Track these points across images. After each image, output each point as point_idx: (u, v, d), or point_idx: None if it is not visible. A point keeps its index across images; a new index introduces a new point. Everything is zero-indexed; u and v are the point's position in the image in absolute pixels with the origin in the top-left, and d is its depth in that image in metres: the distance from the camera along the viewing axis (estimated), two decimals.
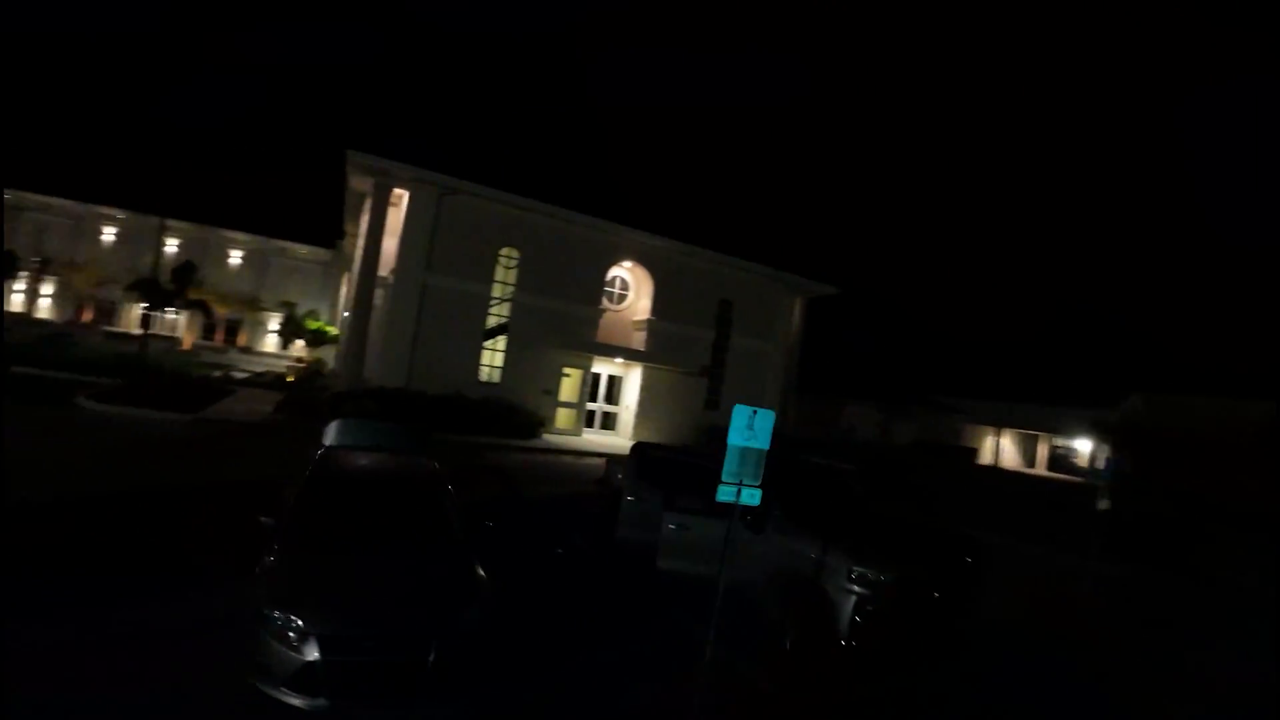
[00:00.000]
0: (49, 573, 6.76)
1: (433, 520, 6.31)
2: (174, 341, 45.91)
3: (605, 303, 27.00)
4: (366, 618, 4.84)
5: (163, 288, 28.99)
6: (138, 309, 52.99)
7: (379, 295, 24.26)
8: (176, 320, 53.41)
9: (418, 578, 5.36)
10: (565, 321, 25.27)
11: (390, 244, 24.04)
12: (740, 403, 5.91)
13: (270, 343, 52.32)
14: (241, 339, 53.20)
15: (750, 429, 5.53)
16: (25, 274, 50.35)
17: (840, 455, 27.75)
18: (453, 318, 23.92)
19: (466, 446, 19.89)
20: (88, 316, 52.09)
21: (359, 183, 24.80)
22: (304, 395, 24.95)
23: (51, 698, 4.74)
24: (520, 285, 24.94)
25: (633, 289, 27.87)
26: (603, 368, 26.89)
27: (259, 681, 4.67)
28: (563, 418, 25.52)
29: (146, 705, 4.78)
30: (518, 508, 12.87)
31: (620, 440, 26.20)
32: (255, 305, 53.31)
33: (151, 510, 9.40)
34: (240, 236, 55.96)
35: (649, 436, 26.16)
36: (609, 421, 27.24)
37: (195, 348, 45.44)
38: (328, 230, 43.64)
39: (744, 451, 5.54)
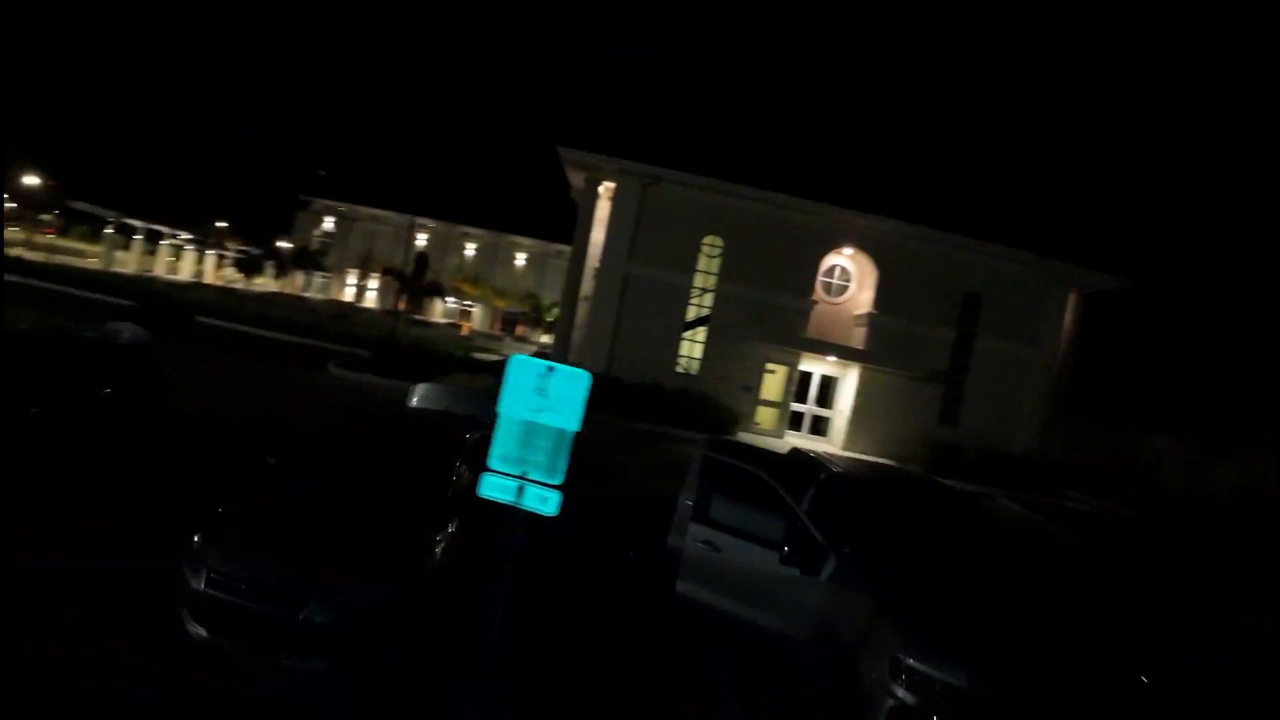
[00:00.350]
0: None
1: (417, 491, 5.94)
2: (456, 328, 52.11)
3: (821, 294, 24.39)
4: (257, 564, 4.78)
5: (405, 275, 32.74)
6: (439, 300, 61.28)
7: (590, 287, 24.55)
8: (471, 311, 61.20)
9: (344, 539, 5.14)
10: (771, 314, 23.25)
11: (601, 236, 24.17)
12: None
13: (546, 334, 57.19)
14: (519, 329, 59.04)
15: (541, 394, 3.62)
16: (356, 271, 60.99)
17: (1125, 499, 21.89)
18: (653, 307, 23.32)
19: (651, 436, 19.22)
20: (402, 306, 61.13)
21: (576, 179, 25.38)
22: None
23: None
24: (723, 275, 23.51)
25: (854, 279, 24.82)
26: (814, 366, 24.32)
27: (177, 599, 4.84)
28: (764, 417, 23.55)
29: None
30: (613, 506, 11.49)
31: (829, 448, 23.46)
32: (532, 300, 58.65)
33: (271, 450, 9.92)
34: (524, 241, 62.50)
35: (865, 448, 23.08)
36: (820, 426, 24.57)
37: (472, 334, 50.96)
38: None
39: (529, 428, 3.65)
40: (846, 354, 23.33)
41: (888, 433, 23.12)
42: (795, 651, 6.04)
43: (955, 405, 23.98)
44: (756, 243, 23.27)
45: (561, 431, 3.84)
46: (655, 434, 19.78)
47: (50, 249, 47.54)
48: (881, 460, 17.16)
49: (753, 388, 23.37)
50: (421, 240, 64.16)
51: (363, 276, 61.72)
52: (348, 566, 4.82)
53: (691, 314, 23.70)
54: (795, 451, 8.90)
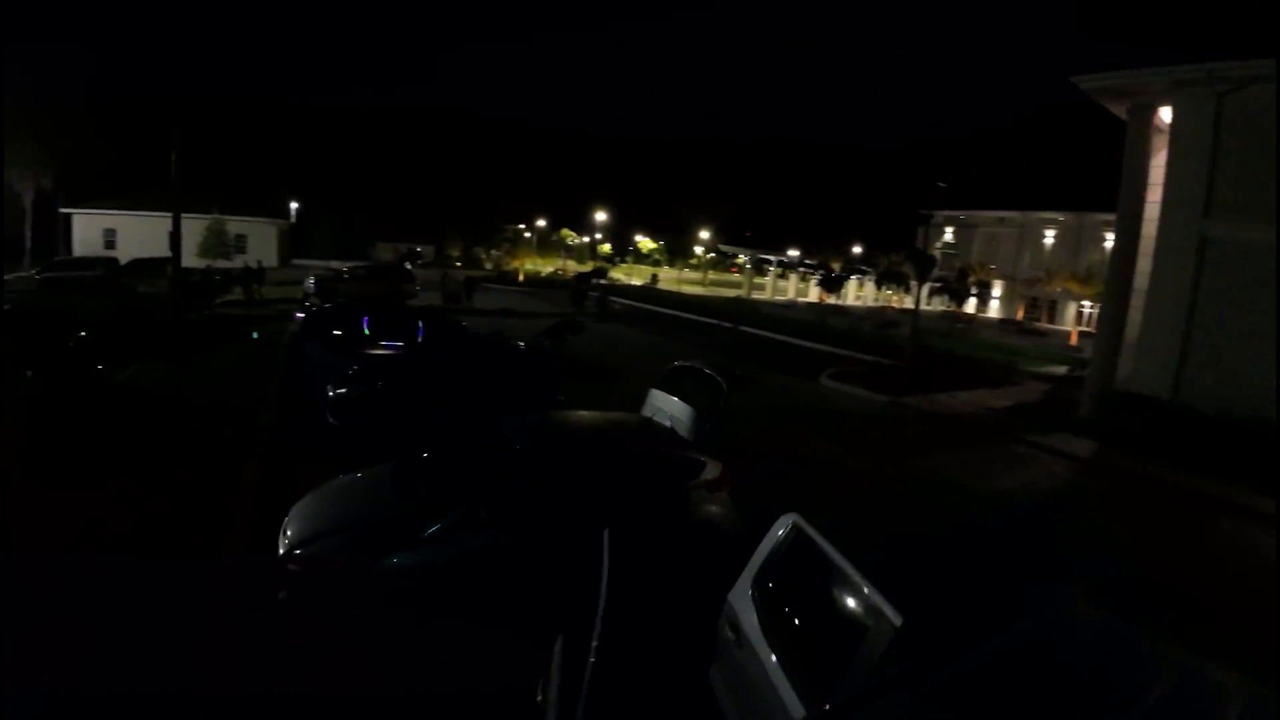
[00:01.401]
0: None
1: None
2: (1063, 336, 43.83)
3: None
4: (295, 518, 5.80)
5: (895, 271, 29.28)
6: (1075, 305, 52.76)
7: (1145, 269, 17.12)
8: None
9: (368, 511, 5.78)
10: None
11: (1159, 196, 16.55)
12: None
13: None
14: None
15: None
16: (973, 279, 57.14)
17: None
18: (1255, 290, 14.56)
19: (1226, 511, 11.32)
20: (1020, 314, 55.02)
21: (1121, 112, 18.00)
22: (1065, 395, 20.44)
23: None
24: None
25: None
26: None
27: None
28: None
29: None
30: None
31: None
32: None
33: None
34: None
35: None
36: None
37: (1081, 343, 41.94)
38: None
39: None
40: None
41: None
42: None
43: None
44: None
45: None
46: (1238, 509, 11.37)
47: (714, 283, 60.07)
48: None
49: None
50: (1049, 236, 56.26)
51: (982, 284, 57.58)
52: (339, 534, 5.48)
53: None
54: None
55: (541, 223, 64.87)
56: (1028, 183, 58.23)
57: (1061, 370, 25.77)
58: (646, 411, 8.67)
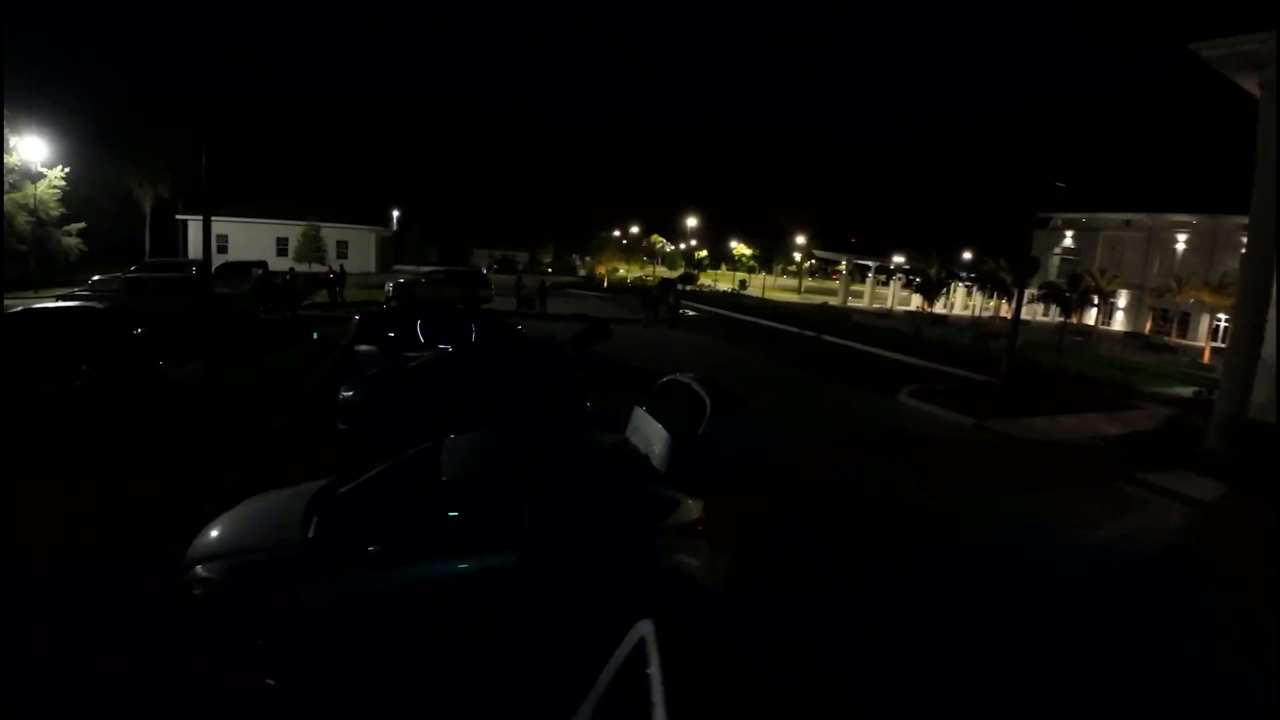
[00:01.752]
0: None
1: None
2: (1194, 352, 39.24)
3: None
4: (213, 540, 5.19)
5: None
6: (1208, 318, 47.73)
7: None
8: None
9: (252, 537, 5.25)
10: None
11: None
12: None
13: None
14: None
15: None
16: (1090, 286, 52.36)
17: None
18: None
19: None
20: (1147, 327, 50.23)
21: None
22: (1190, 423, 17.76)
23: None
24: None
25: None
26: None
27: None
28: None
29: None
30: None
31: None
32: None
33: None
34: None
35: None
36: None
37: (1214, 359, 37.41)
38: None
39: None
40: None
41: None
42: None
43: None
44: None
45: None
46: None
47: (811, 290, 58.02)
48: None
49: None
50: (1180, 241, 50.94)
51: (1103, 293, 52.69)
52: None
53: None
54: None
55: (634, 229, 64.83)
56: (1157, 181, 52.81)
57: (1188, 392, 22.63)
58: (629, 433, 7.42)
